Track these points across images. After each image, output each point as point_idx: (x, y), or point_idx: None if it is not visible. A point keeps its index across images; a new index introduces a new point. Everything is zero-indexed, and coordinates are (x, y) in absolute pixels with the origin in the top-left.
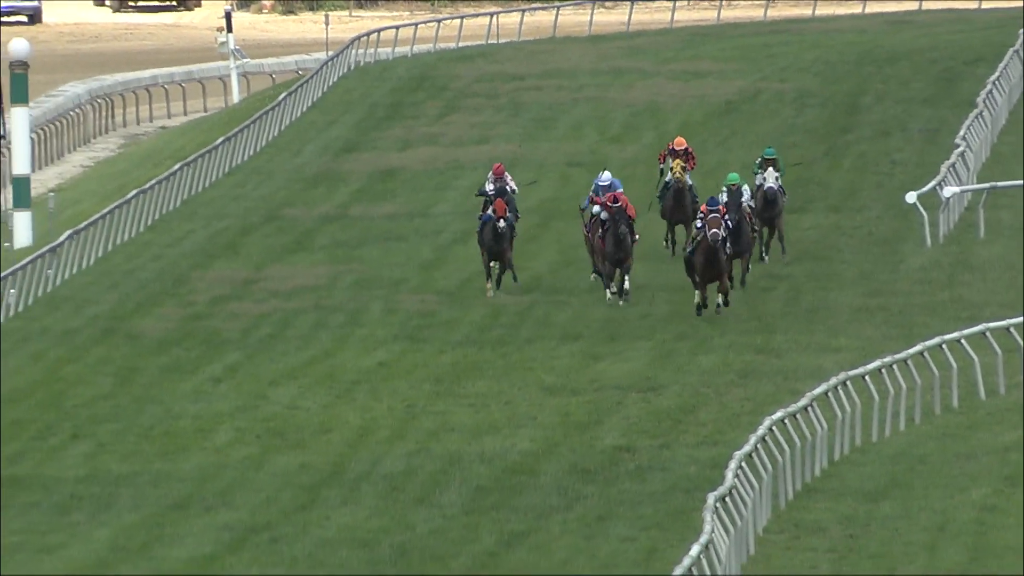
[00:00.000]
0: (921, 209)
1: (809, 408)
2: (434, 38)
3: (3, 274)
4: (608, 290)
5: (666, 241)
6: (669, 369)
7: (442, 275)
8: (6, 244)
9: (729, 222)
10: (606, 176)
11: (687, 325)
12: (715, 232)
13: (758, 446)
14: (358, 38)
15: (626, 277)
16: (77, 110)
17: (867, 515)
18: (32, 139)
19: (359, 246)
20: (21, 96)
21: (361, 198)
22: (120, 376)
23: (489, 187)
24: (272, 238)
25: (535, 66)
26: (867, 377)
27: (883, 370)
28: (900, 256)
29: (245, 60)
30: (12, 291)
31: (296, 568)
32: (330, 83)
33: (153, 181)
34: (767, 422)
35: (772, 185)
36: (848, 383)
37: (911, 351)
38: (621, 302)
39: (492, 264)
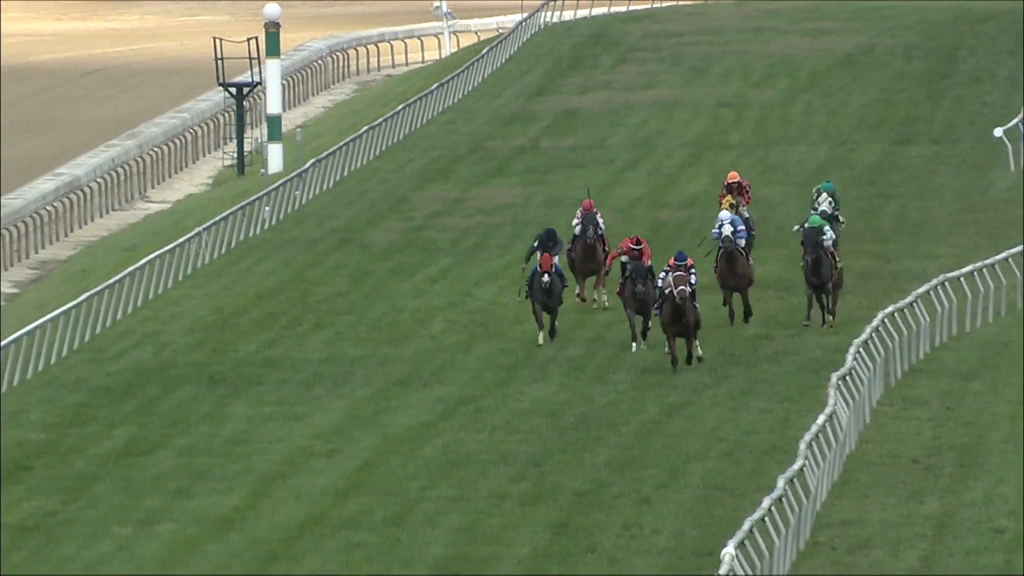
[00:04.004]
0: (1006, 141)
1: (914, 304)
2: (609, 3)
3: (259, 194)
4: (633, 341)
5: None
6: (801, 272)
7: (615, 195)
8: (261, 170)
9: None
10: (725, 215)
11: None
12: (682, 289)
13: (872, 335)
14: (547, 2)
15: (648, 329)
16: (319, 61)
17: (961, 391)
18: (283, 85)
19: (547, 172)
20: (274, 50)
21: (549, 133)
22: (354, 277)
23: (576, 224)
24: (477, 165)
25: (691, 25)
26: (962, 279)
27: (975, 273)
28: (989, 180)
29: (455, 21)
30: (267, 208)
31: (496, 433)
32: (524, 39)
33: (381, 119)
34: (880, 315)
35: (826, 208)
36: (946, 283)
37: (998, 257)
38: (643, 346)
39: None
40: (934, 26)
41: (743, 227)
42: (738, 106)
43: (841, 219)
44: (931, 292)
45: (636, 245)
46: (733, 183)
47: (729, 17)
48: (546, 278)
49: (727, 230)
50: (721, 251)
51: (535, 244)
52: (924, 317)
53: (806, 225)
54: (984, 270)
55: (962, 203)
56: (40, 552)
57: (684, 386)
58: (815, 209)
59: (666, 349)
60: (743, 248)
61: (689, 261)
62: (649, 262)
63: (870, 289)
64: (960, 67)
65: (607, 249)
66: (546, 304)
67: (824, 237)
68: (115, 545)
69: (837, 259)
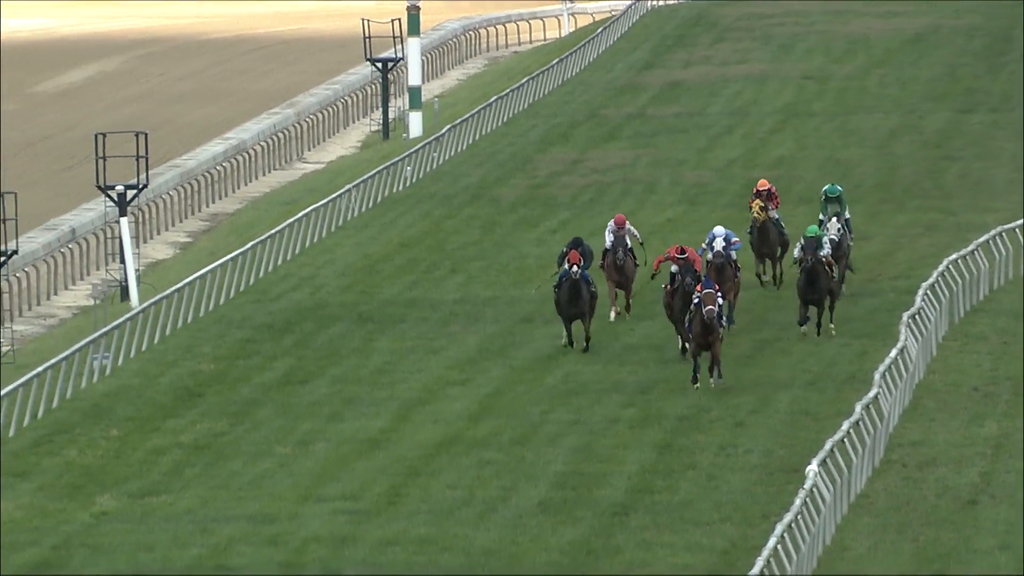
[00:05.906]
0: None
1: (976, 251)
2: None
3: (402, 156)
4: (681, 352)
5: (758, 275)
6: (876, 224)
7: (713, 156)
8: (404, 135)
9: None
10: (719, 230)
11: (887, 192)
12: (710, 309)
13: (939, 278)
14: None
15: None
16: (454, 39)
17: (1016, 328)
18: (422, 60)
19: (654, 136)
20: (415, 29)
21: (655, 102)
22: (484, 228)
23: (609, 238)
24: (592, 130)
25: (779, 8)
26: (1017, 230)
27: None
28: None
29: (573, 4)
30: (408, 168)
31: (609, 365)
32: (633, 21)
33: (507, 90)
34: (945, 261)
35: (834, 236)
36: (1004, 234)
37: None
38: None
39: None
40: (993, 8)
41: (737, 240)
42: (821, 79)
43: (851, 235)
44: (990, 242)
45: (680, 254)
46: (763, 190)
47: (813, 1)
48: (575, 268)
49: (719, 244)
50: (710, 263)
51: (565, 250)
52: (984, 263)
53: (804, 236)
54: None
55: (1017, 164)
56: (211, 467)
57: (774, 323)
58: (822, 216)
59: (693, 368)
60: (734, 260)
61: (716, 286)
62: (699, 267)
63: (936, 239)
64: (1016, 44)
65: (637, 263)
66: (571, 313)
67: (823, 245)
68: (276, 462)
69: (833, 271)
